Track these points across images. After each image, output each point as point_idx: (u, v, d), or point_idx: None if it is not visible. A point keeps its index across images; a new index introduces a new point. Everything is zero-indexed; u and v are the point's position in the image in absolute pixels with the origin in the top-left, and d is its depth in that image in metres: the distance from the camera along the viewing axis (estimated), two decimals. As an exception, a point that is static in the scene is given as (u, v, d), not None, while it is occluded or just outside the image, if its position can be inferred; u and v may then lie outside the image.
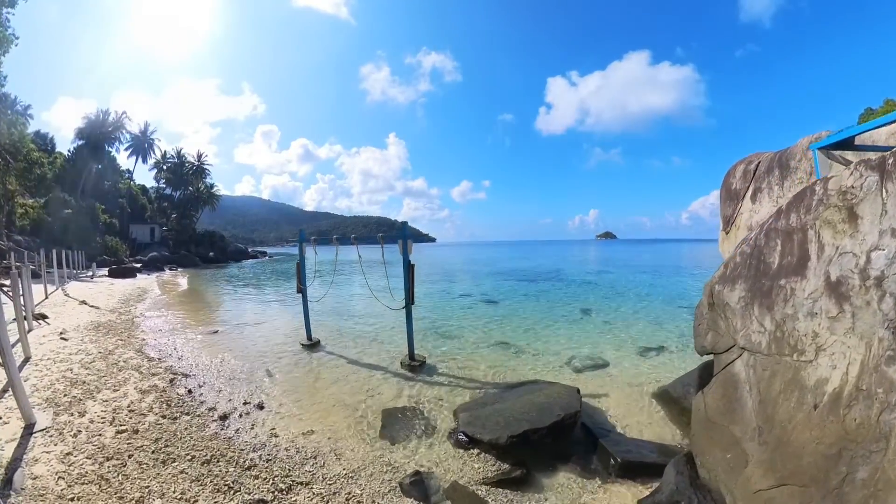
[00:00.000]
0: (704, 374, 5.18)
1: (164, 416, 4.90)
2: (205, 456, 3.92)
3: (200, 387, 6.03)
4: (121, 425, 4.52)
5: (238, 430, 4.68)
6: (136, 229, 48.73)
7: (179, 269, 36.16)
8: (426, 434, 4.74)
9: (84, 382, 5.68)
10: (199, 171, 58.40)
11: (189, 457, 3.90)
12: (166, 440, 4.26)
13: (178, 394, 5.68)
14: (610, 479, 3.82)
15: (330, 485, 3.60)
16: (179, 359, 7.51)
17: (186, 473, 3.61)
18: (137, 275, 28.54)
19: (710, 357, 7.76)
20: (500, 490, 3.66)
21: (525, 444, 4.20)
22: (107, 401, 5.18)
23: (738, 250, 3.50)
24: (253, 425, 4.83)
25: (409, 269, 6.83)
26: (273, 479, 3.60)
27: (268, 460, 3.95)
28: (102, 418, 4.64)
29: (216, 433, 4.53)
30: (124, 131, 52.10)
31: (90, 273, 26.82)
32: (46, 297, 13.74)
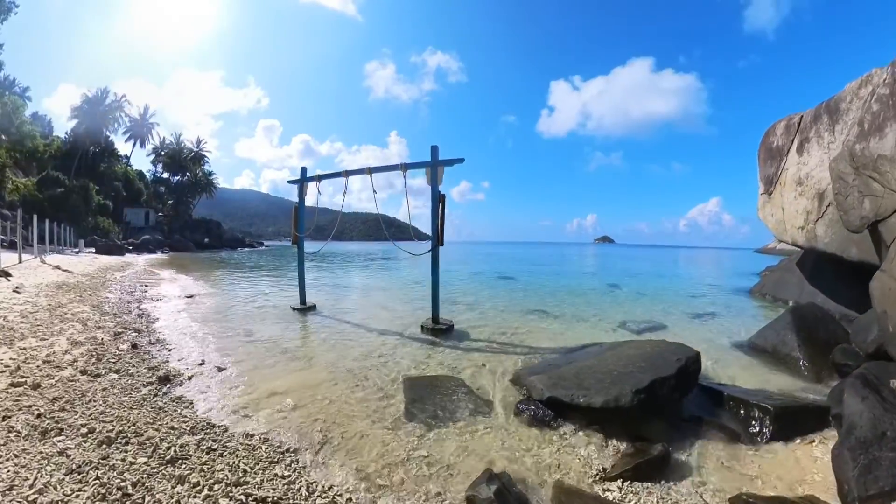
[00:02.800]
0: (797, 317, 4.61)
1: (84, 372, 3.36)
2: (109, 431, 2.30)
3: (151, 344, 4.43)
4: (21, 377, 3.08)
5: (179, 398, 3.03)
6: (131, 212, 47.05)
7: (172, 253, 34.42)
8: (480, 410, 3.06)
9: (11, 329, 4.42)
10: (198, 157, 56.65)
11: (85, 430, 2.30)
12: (66, 402, 2.68)
13: (118, 349, 4.10)
14: (763, 437, 2.78)
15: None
16: (139, 316, 5.93)
17: (66, 456, 2.02)
18: (126, 254, 26.94)
19: (832, 304, 6.69)
20: (641, 485, 2.11)
21: (649, 405, 2.81)
22: (25, 349, 3.81)
23: (869, 102, 3.41)
24: (203, 392, 3.18)
25: (438, 202, 5.19)
26: (209, 487, 1.91)
27: (209, 451, 2.26)
28: (5, 367, 3.27)
29: (144, 399, 2.90)
30: (122, 114, 50.46)
31: (77, 249, 25.26)
32: (20, 262, 12.65)
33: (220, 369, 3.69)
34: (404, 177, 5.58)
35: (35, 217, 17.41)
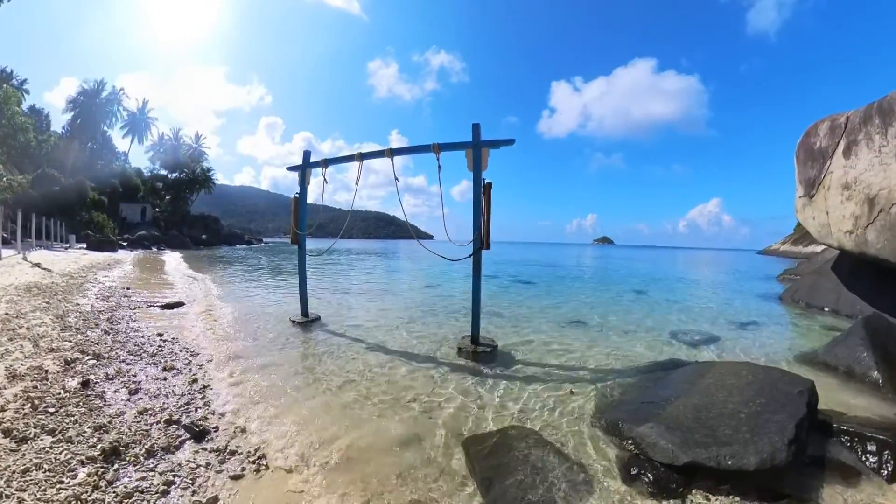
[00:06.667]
0: (870, 331, 4.32)
1: (7, 433, 2.37)
2: None
3: (110, 379, 3.37)
4: None
5: (130, 496, 1.90)
6: (127, 208, 45.93)
7: (167, 250, 33.32)
8: (581, 484, 2.17)
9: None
10: (197, 153, 55.54)
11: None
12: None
13: (64, 388, 3.07)
14: (885, 474, 2.43)
15: None
16: (107, 332, 4.89)
17: None
18: (119, 250, 25.87)
19: (871, 312, 6.21)
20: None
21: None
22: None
23: None
24: (169, 485, 2.04)
25: (483, 192, 4.18)
26: None
27: None
28: None
29: (77, 497, 1.82)
30: (120, 107, 49.36)
31: (67, 245, 24.21)
32: (0, 259, 12.22)
33: (198, 435, 2.55)
34: (437, 160, 4.55)
35: (20, 212, 16.41)
